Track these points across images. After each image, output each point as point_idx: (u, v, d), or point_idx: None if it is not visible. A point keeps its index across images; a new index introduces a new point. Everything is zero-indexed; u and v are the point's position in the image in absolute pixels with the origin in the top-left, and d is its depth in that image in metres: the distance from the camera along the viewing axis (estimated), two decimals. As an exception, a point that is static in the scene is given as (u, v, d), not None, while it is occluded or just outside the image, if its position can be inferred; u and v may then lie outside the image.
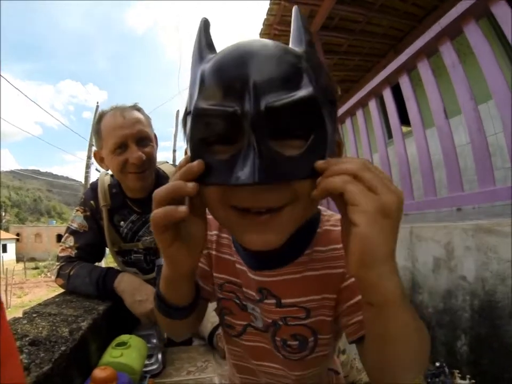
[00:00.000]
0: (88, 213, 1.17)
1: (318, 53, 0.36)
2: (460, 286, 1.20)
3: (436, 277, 1.35)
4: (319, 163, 0.29)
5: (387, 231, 0.26)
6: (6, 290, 12.16)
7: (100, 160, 1.12)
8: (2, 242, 27.95)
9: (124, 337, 0.81)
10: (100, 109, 1.15)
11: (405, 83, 1.72)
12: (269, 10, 2.92)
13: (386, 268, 0.27)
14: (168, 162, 1.30)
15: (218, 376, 0.91)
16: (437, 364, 1.22)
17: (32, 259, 28.94)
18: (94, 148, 1.16)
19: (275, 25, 3.07)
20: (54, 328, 0.66)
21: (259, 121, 0.28)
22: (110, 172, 1.17)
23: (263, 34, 3.24)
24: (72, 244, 1.14)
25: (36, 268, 23.38)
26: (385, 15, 3.27)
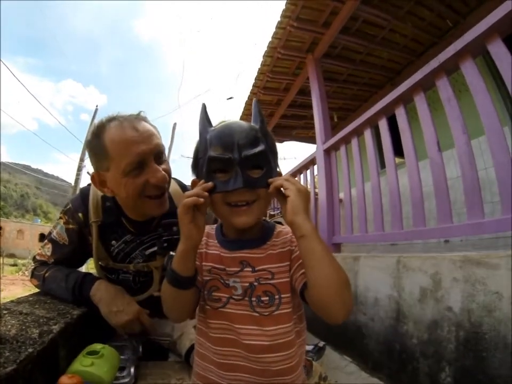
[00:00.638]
0: (71, 226, 1.03)
1: (266, 127, 0.63)
2: (446, 316, 1.19)
3: (421, 307, 1.34)
4: (270, 180, 0.59)
5: (302, 199, 0.55)
6: (-21, 286, 11.59)
7: (101, 184, 0.91)
8: (-18, 235, 26.92)
9: (96, 346, 0.77)
10: (95, 121, 0.92)
11: (401, 115, 1.76)
12: (274, 33, 3.01)
13: (304, 215, 0.54)
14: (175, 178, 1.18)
15: (192, 395, 0.87)
16: (419, 397, 1.19)
17: (12, 255, 27.81)
18: (85, 168, 1.03)
19: (279, 49, 3.16)
20: (23, 328, 0.63)
21: (241, 162, 0.57)
22: None
23: (267, 56, 3.32)
24: (49, 254, 1.06)
25: (15, 265, 22.44)
26: (385, 48, 3.38)
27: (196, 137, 0.64)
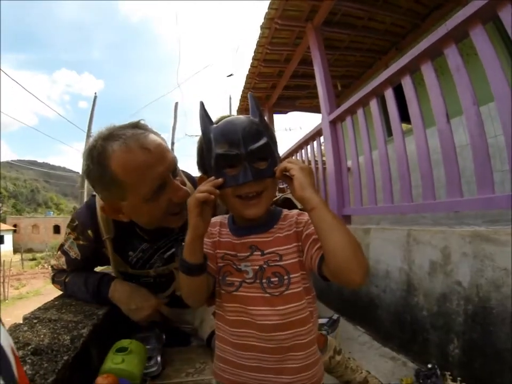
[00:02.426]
0: (81, 242, 0.99)
1: (264, 119, 0.67)
2: (455, 290, 1.22)
3: (431, 280, 1.37)
4: (275, 169, 0.63)
5: (306, 175, 0.59)
6: (3, 282, 12.16)
7: (115, 212, 0.84)
8: (0, 233, 27.86)
9: (124, 342, 0.82)
10: (90, 142, 0.80)
11: (407, 84, 1.70)
12: (271, 4, 2.86)
13: (311, 189, 0.58)
14: None
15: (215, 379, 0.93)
16: (429, 366, 1.25)
17: (30, 250, 28.90)
18: (85, 195, 0.93)
19: (276, 19, 3.02)
20: (55, 335, 0.67)
21: (248, 156, 0.60)
22: None
23: (264, 28, 3.18)
24: (65, 266, 1.07)
25: (33, 259, 23.35)
26: (388, 12, 3.20)
27: (198, 115, 0.67)
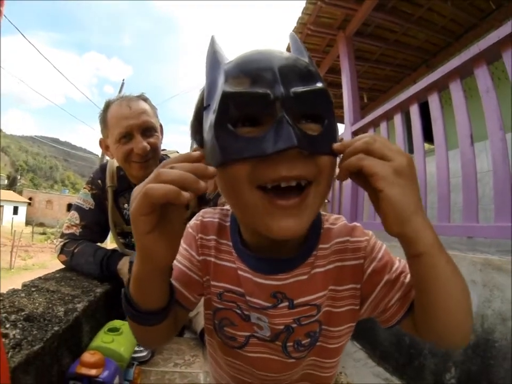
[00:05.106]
0: (95, 191, 1.20)
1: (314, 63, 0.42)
2: (460, 318, 1.17)
3: (436, 305, 1.32)
4: (336, 145, 0.34)
5: (406, 188, 0.30)
6: (11, 251, 12.55)
7: (105, 148, 1.15)
8: (14, 204, 28.83)
9: (116, 323, 0.83)
10: (108, 99, 1.13)
11: (434, 102, 1.66)
12: (305, 9, 2.86)
13: (418, 218, 0.31)
14: (178, 152, 1.31)
15: (203, 373, 0.92)
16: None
17: (41, 224, 29.77)
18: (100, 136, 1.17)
19: (309, 25, 3.01)
20: (50, 306, 0.67)
21: (289, 102, 0.32)
22: None
23: (296, 32, 3.18)
24: (78, 222, 1.17)
25: (44, 234, 24.03)
26: (422, 28, 3.14)
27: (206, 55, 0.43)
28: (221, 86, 0.34)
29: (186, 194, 0.28)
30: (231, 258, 0.45)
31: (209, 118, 0.35)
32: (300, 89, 0.32)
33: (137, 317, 0.38)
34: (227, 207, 0.49)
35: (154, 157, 1.10)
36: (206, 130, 0.36)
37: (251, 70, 0.34)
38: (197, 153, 0.32)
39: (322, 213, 0.47)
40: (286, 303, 0.42)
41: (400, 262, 0.44)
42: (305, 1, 2.80)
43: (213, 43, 0.41)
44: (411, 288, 0.40)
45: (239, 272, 0.43)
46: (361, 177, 0.32)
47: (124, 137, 1.03)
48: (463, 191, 1.41)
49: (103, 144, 1.15)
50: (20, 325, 0.56)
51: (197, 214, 0.50)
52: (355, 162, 0.31)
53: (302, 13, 2.92)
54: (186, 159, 0.31)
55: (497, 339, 1.00)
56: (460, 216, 1.44)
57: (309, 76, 0.35)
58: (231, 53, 0.41)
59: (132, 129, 1.03)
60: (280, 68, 0.33)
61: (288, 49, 0.47)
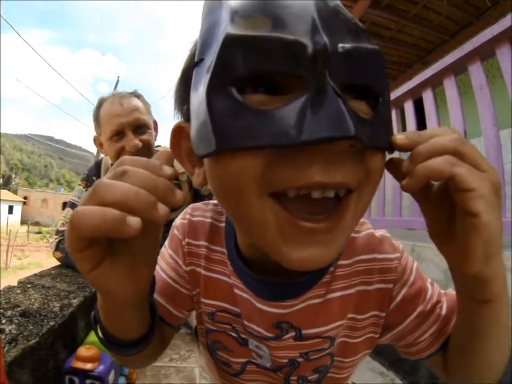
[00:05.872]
0: (89, 188, 1.22)
1: None
2: (454, 312, 1.19)
3: (430, 300, 1.34)
4: (400, 137, 0.22)
5: (500, 214, 0.21)
6: (7, 251, 12.46)
7: (100, 146, 1.16)
8: (9, 203, 28.57)
9: (112, 318, 0.83)
10: (101, 96, 1.14)
11: (428, 98, 1.67)
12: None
13: (499, 259, 0.23)
14: None
15: (199, 368, 0.93)
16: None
17: (37, 223, 29.57)
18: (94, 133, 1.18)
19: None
20: (45, 301, 0.67)
21: (337, 62, 0.20)
22: None
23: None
24: None
25: (39, 233, 23.88)
26: (417, 25, 3.18)
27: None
28: (224, 28, 0.21)
29: (135, 224, 0.18)
30: (225, 271, 0.35)
31: (202, 79, 0.22)
32: (353, 44, 0.21)
33: (114, 349, 0.31)
34: None
35: (147, 154, 1.09)
36: (196, 97, 0.23)
37: (274, 7, 0.21)
38: (166, 151, 0.23)
39: None
40: (292, 333, 0.33)
41: (433, 286, 0.36)
42: None
43: None
44: (447, 322, 0.34)
45: (236, 290, 0.34)
46: (437, 191, 0.23)
47: (116, 135, 1.04)
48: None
49: (97, 141, 1.16)
50: (16, 321, 0.56)
51: (184, 211, 0.40)
52: (442, 167, 0.20)
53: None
54: (148, 164, 0.21)
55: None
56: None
57: (358, 31, 0.23)
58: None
59: (124, 127, 1.03)
60: (320, 10, 0.21)
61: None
